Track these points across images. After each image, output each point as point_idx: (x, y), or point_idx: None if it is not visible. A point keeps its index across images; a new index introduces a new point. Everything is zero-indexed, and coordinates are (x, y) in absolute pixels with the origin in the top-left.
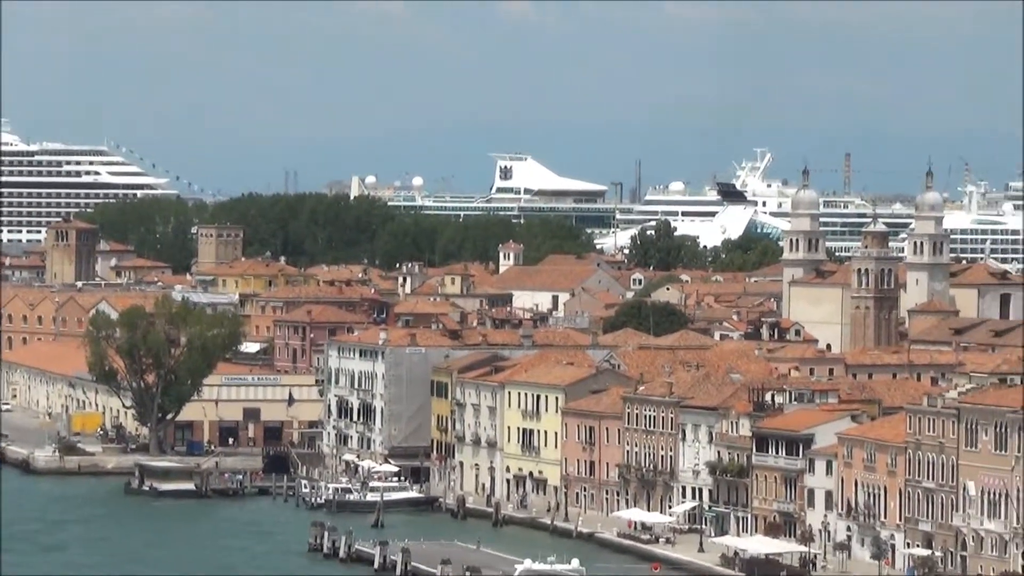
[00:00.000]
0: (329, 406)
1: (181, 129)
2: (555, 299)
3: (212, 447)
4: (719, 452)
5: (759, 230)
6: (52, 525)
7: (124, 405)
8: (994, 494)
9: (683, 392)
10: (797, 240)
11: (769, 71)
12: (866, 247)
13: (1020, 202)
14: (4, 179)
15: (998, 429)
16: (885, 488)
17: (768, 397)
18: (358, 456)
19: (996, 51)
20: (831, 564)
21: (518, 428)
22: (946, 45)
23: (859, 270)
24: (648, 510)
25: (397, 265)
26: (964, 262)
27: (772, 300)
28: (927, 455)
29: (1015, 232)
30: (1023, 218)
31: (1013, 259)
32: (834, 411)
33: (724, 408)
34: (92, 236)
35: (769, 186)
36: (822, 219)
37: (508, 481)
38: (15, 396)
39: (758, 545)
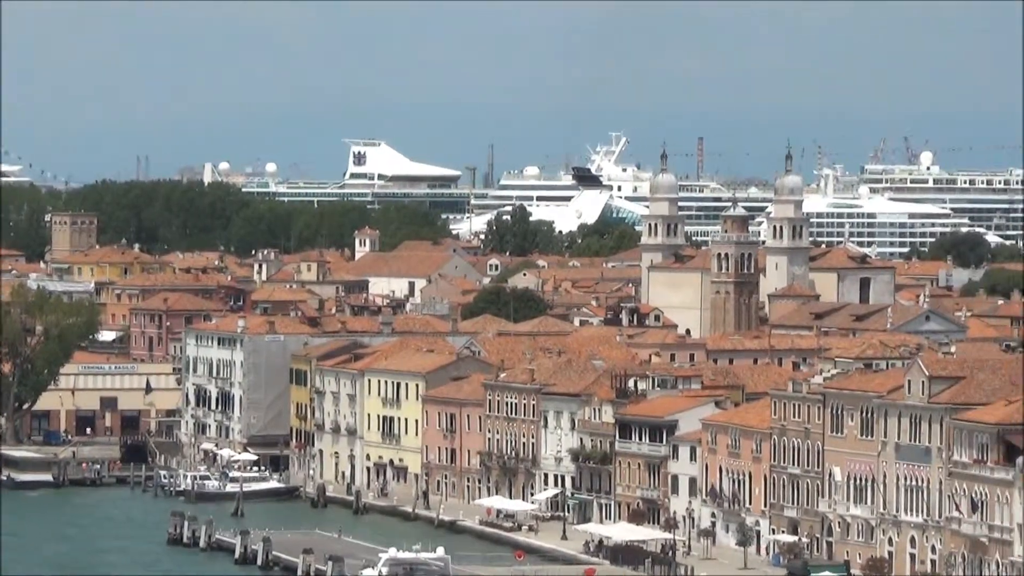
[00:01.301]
0: (187, 395)
1: (33, 116)
2: (411, 285)
3: (69, 436)
4: (582, 439)
5: (615, 215)
6: None
7: None
8: (860, 479)
9: (545, 379)
10: (656, 225)
11: (623, 54)
12: (726, 231)
13: (877, 185)
14: None
15: (864, 414)
16: (750, 474)
17: (631, 383)
18: (216, 445)
19: (848, 35)
20: (696, 551)
21: (378, 416)
22: (798, 29)
23: (719, 255)
24: (510, 498)
25: (252, 252)
26: (824, 246)
27: (630, 285)
28: (792, 441)
29: (872, 216)
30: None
31: (871, 242)
32: (697, 397)
33: (586, 395)
34: None
35: (624, 170)
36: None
37: (368, 469)
38: None
39: (622, 532)
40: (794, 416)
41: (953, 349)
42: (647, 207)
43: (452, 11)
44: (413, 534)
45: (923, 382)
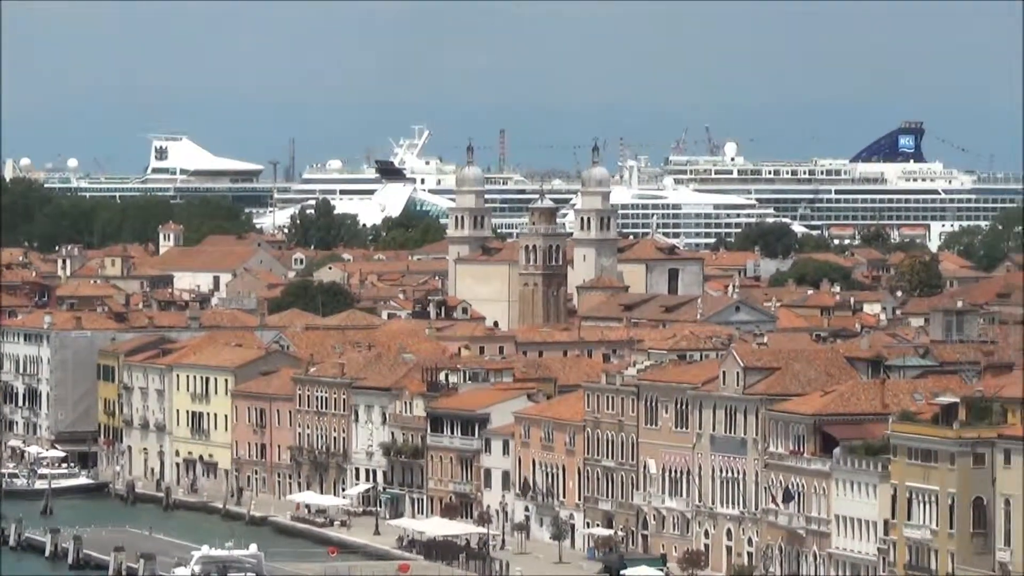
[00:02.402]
0: None
1: None
2: (216, 280)
3: None
4: (393, 433)
5: (419, 207)
6: None
7: None
8: (675, 472)
9: (355, 373)
10: (462, 217)
11: (423, 47)
12: (533, 223)
13: (681, 176)
14: None
15: (678, 406)
16: (563, 467)
17: (442, 377)
18: (24, 442)
19: (644, 28)
20: (510, 545)
21: (187, 411)
22: (594, 22)
23: (527, 247)
24: (322, 493)
25: (56, 248)
26: (631, 238)
27: (437, 278)
28: (606, 433)
29: (677, 207)
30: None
31: (678, 233)
32: (509, 390)
33: (397, 388)
34: None
35: (427, 163)
36: None
37: (178, 465)
38: None
39: (435, 527)
40: (608, 408)
41: (766, 340)
42: (452, 200)
43: (252, 6)
44: (225, 531)
45: (738, 373)
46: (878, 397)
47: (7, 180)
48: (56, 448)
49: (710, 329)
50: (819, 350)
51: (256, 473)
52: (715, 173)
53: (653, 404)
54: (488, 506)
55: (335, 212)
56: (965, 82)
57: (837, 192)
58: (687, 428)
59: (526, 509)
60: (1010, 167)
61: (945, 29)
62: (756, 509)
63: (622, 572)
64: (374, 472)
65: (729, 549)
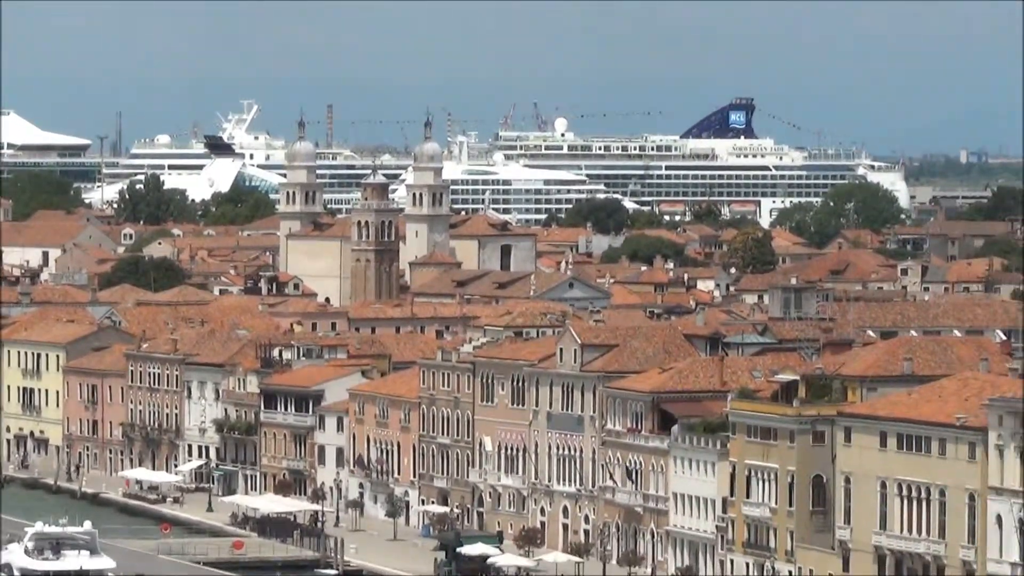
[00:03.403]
0: None
1: None
2: (45, 255)
3: None
4: (226, 409)
5: (248, 183)
6: None
7: None
8: (511, 449)
9: (188, 349)
10: (293, 193)
11: (249, 23)
12: (366, 199)
13: (511, 152)
14: None
15: (515, 383)
16: (398, 444)
17: (275, 353)
18: None
19: (476, 3)
20: (344, 522)
21: (18, 387)
22: None
23: (359, 222)
24: (154, 469)
25: None
26: (463, 213)
27: (268, 254)
28: (442, 410)
29: (507, 183)
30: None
31: (508, 209)
32: (344, 366)
33: (231, 365)
34: None
35: (256, 138)
36: None
37: (9, 441)
38: None
39: (268, 504)
40: (443, 385)
41: (603, 316)
42: (283, 175)
43: None
44: (57, 507)
45: (575, 350)
46: (717, 374)
47: None
48: None
49: (544, 306)
50: (657, 327)
51: (88, 449)
52: (545, 149)
53: (489, 381)
54: (322, 483)
55: (164, 187)
56: (795, 59)
57: (668, 168)
58: (523, 405)
59: (360, 486)
60: (840, 143)
61: (775, 6)
62: (593, 487)
63: (458, 550)
64: (207, 448)
65: (566, 527)
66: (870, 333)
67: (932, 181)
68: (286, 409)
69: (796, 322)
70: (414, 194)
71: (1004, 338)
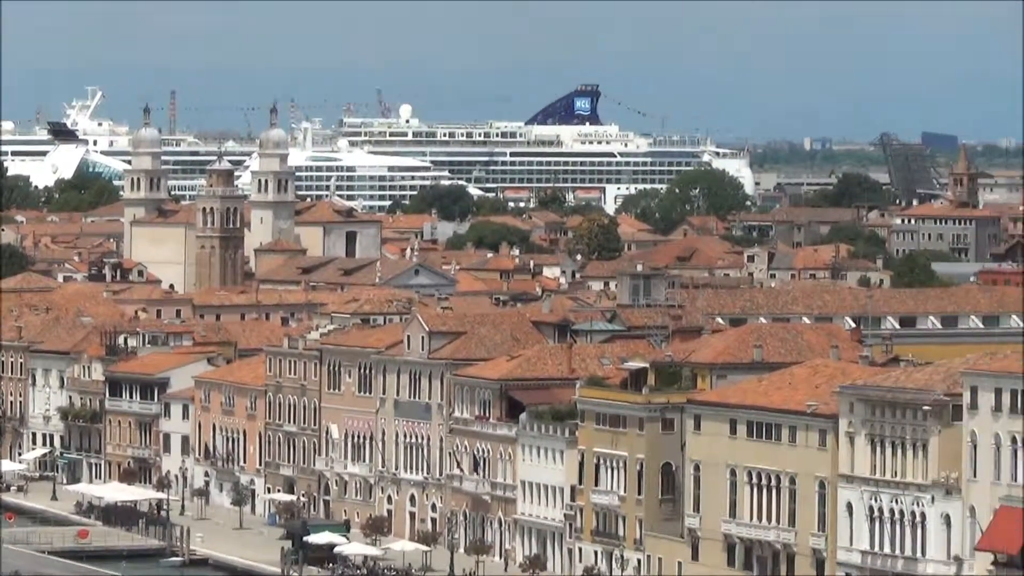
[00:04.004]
0: None
1: None
2: None
3: None
4: (71, 397)
5: (91, 169)
6: None
7: None
8: (358, 437)
9: (33, 336)
10: (138, 179)
11: (94, 9)
12: (211, 186)
13: (356, 139)
14: None
15: (362, 371)
16: (244, 432)
17: (120, 340)
18: None
19: None
20: (190, 510)
21: None
22: None
23: (204, 209)
24: None
25: None
26: (308, 200)
27: (112, 240)
28: (288, 398)
29: (352, 169)
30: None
31: (353, 196)
32: (189, 353)
33: (76, 352)
34: None
35: (100, 125)
36: None
37: None
38: None
39: (113, 492)
40: (290, 373)
41: (450, 303)
42: (127, 162)
43: None
44: None
45: (423, 337)
46: (565, 362)
47: None
48: None
49: (390, 292)
50: (505, 314)
51: None
52: (390, 135)
53: (336, 368)
54: (167, 471)
55: (7, 174)
56: (641, 46)
57: (512, 155)
58: (370, 393)
59: (206, 474)
60: (685, 130)
61: None
62: (440, 475)
63: (305, 538)
64: (51, 437)
65: (413, 515)
66: (719, 320)
67: (776, 168)
68: (131, 397)
69: (645, 309)
70: (259, 181)
71: (853, 325)
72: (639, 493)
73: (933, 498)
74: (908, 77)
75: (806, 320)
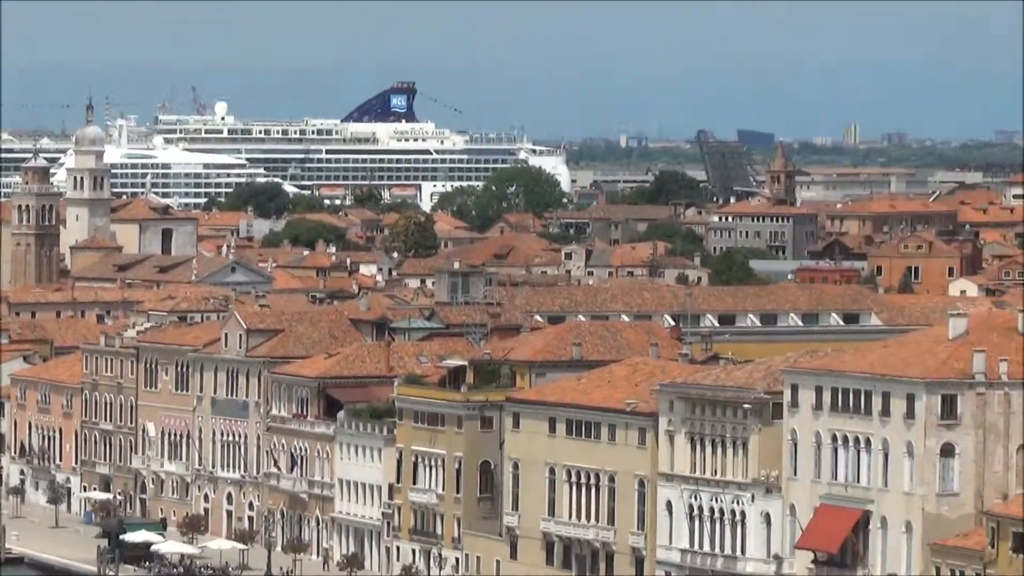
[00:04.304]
0: None
1: None
2: None
3: None
4: None
5: None
6: None
7: None
8: (175, 435)
9: None
10: None
11: None
12: (26, 183)
13: (171, 136)
14: None
15: (179, 369)
16: (60, 430)
17: None
18: None
19: None
20: (6, 509)
21: None
22: None
23: (20, 206)
24: None
25: None
26: (124, 197)
27: None
28: (105, 396)
29: (167, 166)
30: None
31: (169, 193)
32: (5, 351)
33: None
34: None
35: None
36: None
37: None
38: None
39: None
40: (107, 371)
41: (267, 301)
42: None
43: None
44: None
45: (240, 335)
46: (383, 360)
47: None
48: None
49: (206, 290)
50: (323, 312)
51: None
52: (205, 133)
53: (153, 366)
54: None
55: None
56: (456, 43)
57: (328, 152)
58: (187, 391)
59: (22, 472)
60: (501, 127)
61: None
62: (258, 473)
63: (121, 537)
64: None
65: (230, 513)
66: (538, 318)
67: (593, 165)
68: None
69: (463, 307)
70: (75, 178)
71: (673, 323)
72: (457, 491)
73: (753, 496)
74: (724, 75)
75: (625, 318)
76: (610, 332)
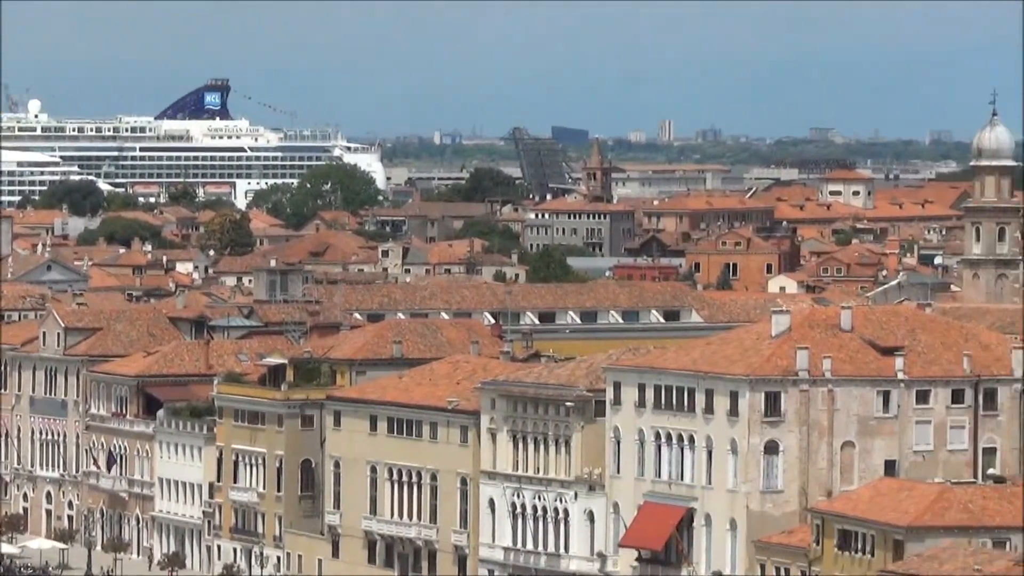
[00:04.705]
0: None
1: None
2: None
3: None
4: None
5: None
6: None
7: None
8: None
9: None
10: None
11: None
12: None
13: None
14: None
15: None
16: None
17: None
18: None
19: None
20: None
21: None
22: None
23: None
24: None
25: None
26: None
27: None
28: None
29: None
30: None
31: None
32: None
33: None
34: None
35: None
36: None
37: None
38: None
39: None
40: None
41: (85, 300)
42: None
43: None
44: None
45: (58, 333)
46: (203, 358)
47: None
48: None
49: (23, 289)
50: (141, 310)
51: None
52: (18, 130)
53: None
54: None
55: None
56: (270, 40)
57: (142, 150)
58: (5, 389)
59: None
60: (316, 124)
61: None
62: (77, 472)
63: None
64: None
65: (49, 512)
66: (357, 316)
67: (407, 162)
68: None
69: (282, 305)
70: None
71: (493, 320)
72: (279, 490)
73: (576, 494)
74: (537, 71)
75: (445, 315)
76: (430, 330)
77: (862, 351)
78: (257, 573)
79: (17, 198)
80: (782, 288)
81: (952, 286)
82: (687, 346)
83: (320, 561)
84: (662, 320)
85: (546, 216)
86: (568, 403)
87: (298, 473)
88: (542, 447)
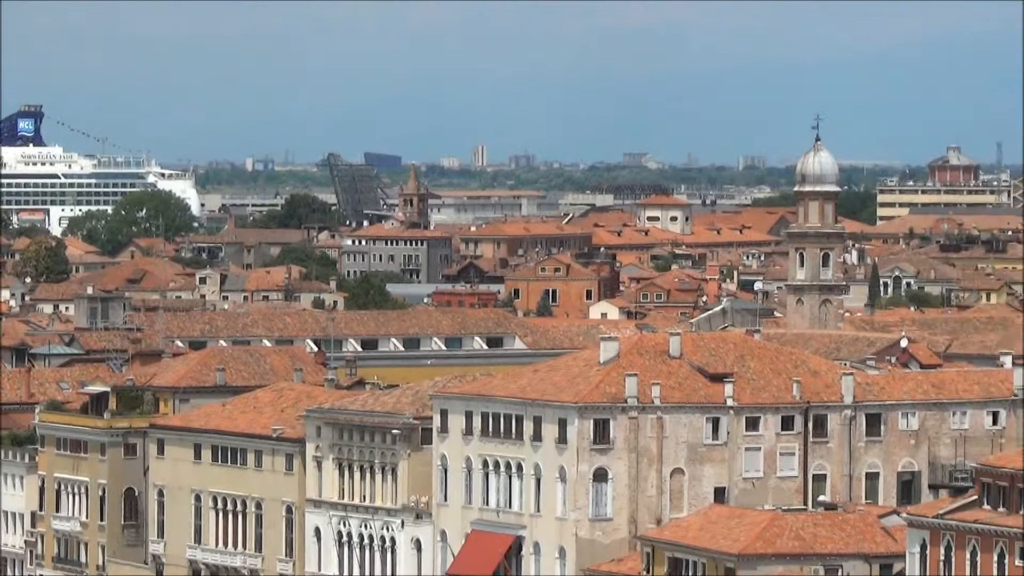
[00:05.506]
0: None
1: None
2: None
3: None
4: None
5: None
6: None
7: None
8: None
9: None
10: None
11: None
12: None
13: None
14: None
15: None
16: None
17: None
18: None
19: None
20: None
21: None
22: None
23: None
24: None
25: None
26: None
27: None
28: None
29: None
30: None
31: None
32: None
33: None
34: None
35: None
36: None
37: None
38: None
39: None
40: None
41: None
42: None
43: None
44: None
45: None
46: (24, 386)
47: None
48: None
49: None
50: None
51: None
52: None
53: None
54: None
55: None
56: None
57: None
58: None
59: None
60: (129, 150)
61: (101, 7)
62: None
63: None
64: None
65: None
66: (179, 343)
67: (220, 189)
68: None
69: (104, 332)
70: None
71: (315, 348)
72: (101, 519)
73: (403, 522)
74: (349, 97)
75: (267, 343)
76: (253, 357)
77: (691, 378)
78: None
79: None
80: (604, 314)
81: (775, 312)
82: (515, 373)
83: None
84: (485, 347)
85: (363, 243)
86: (395, 431)
87: (121, 502)
88: (368, 475)
